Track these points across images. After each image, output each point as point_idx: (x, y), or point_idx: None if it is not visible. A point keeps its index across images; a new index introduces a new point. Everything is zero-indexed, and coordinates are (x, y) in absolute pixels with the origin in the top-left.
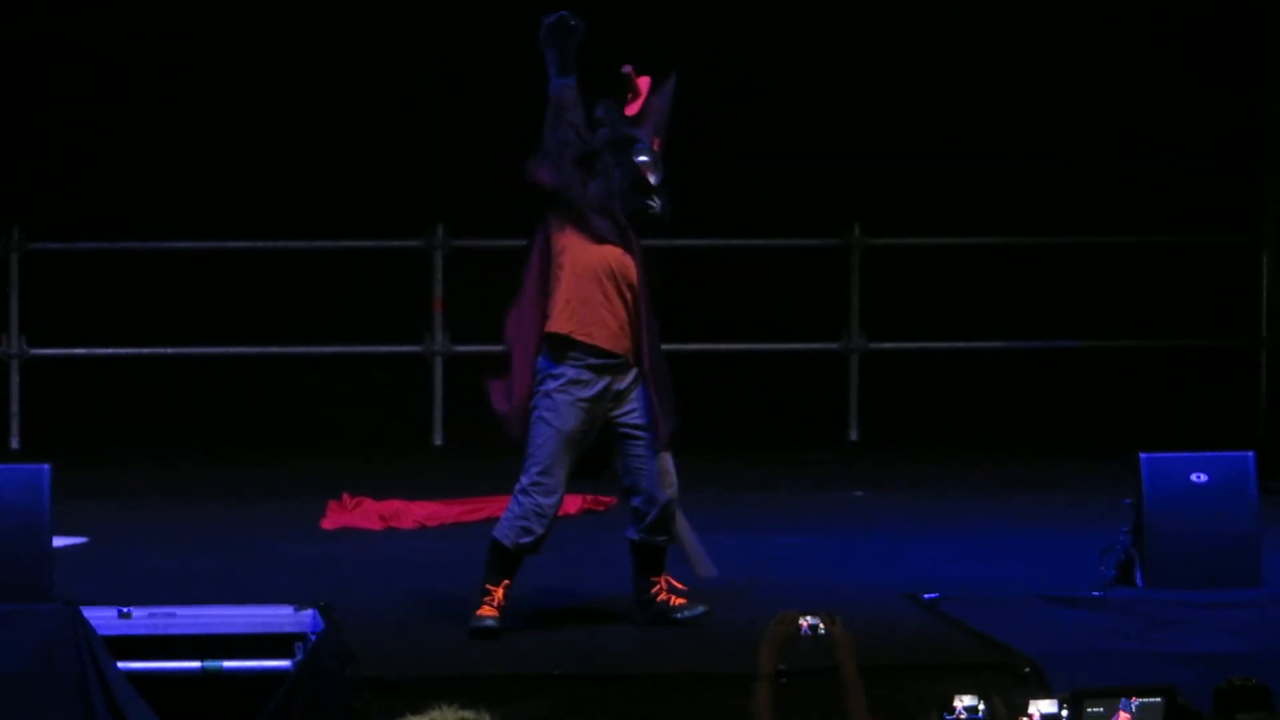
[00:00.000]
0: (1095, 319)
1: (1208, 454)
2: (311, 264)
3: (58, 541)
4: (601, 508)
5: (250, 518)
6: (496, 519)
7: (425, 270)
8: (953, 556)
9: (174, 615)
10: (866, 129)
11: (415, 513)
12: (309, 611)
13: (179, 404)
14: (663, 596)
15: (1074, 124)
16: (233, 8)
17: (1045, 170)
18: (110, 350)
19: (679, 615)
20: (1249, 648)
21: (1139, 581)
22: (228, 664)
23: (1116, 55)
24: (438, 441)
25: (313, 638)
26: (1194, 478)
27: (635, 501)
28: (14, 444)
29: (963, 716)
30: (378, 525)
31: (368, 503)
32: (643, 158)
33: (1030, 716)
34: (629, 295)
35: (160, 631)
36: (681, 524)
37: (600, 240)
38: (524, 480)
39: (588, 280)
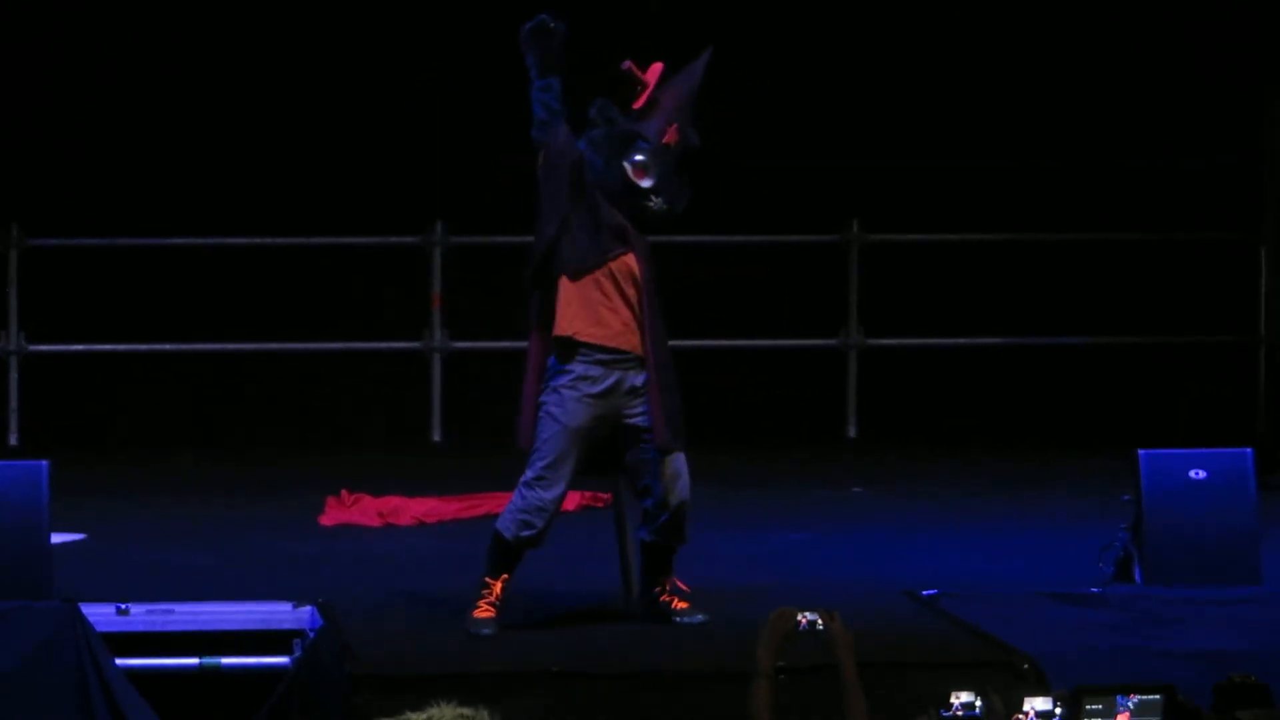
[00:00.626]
0: (1094, 316)
1: (1207, 451)
2: (310, 260)
3: (56, 538)
4: (601, 504)
5: (249, 514)
6: (495, 515)
7: (424, 267)
8: (951, 553)
9: (172, 612)
10: (866, 128)
11: (414, 509)
12: (307, 608)
13: (177, 400)
14: (665, 598)
15: (1074, 124)
16: (232, 6)
17: (1045, 169)
18: (109, 346)
19: (679, 619)
20: (1248, 645)
21: (1138, 578)
22: (226, 661)
23: (1116, 55)
24: (436, 438)
25: (311, 634)
26: (1193, 475)
27: (647, 504)
28: (12, 440)
29: (960, 714)
30: (376, 522)
31: (366, 499)
32: (638, 157)
33: (1025, 714)
34: (631, 292)
35: (159, 628)
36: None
37: (597, 242)
38: (528, 474)
39: (586, 282)
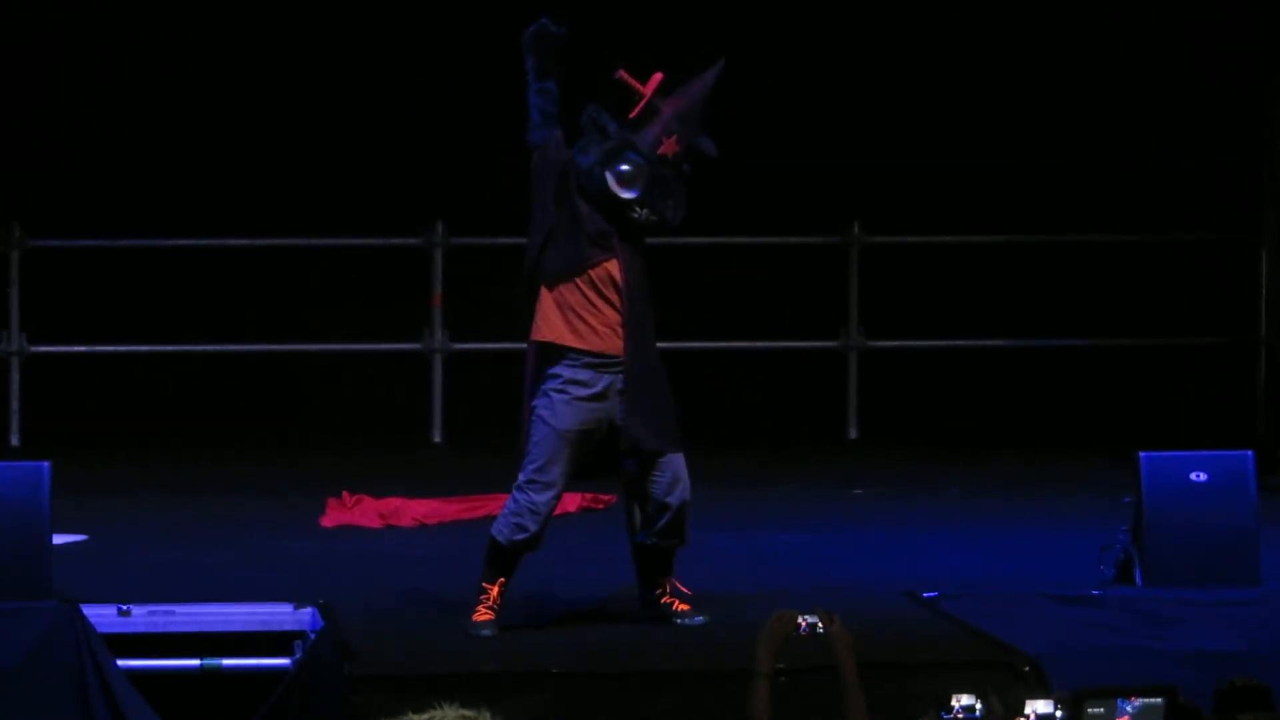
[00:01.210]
0: (1094, 317)
1: (1207, 453)
2: (311, 261)
3: (57, 539)
4: (601, 505)
5: (250, 515)
6: (496, 516)
7: (425, 267)
8: (952, 554)
9: (173, 613)
10: (866, 129)
11: (414, 510)
12: (308, 609)
13: (178, 401)
14: (666, 599)
15: (1074, 124)
16: (233, 6)
17: (1045, 170)
18: (110, 347)
19: (679, 621)
20: (1248, 646)
21: (1138, 580)
22: (227, 662)
23: (1116, 55)
24: (437, 439)
25: (312, 635)
26: (1193, 476)
27: (648, 507)
28: (14, 441)
29: (960, 716)
30: (377, 523)
31: (367, 500)
32: (623, 167)
33: (1027, 716)
34: (614, 297)
35: (159, 629)
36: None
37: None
38: (520, 477)
39: (567, 288)
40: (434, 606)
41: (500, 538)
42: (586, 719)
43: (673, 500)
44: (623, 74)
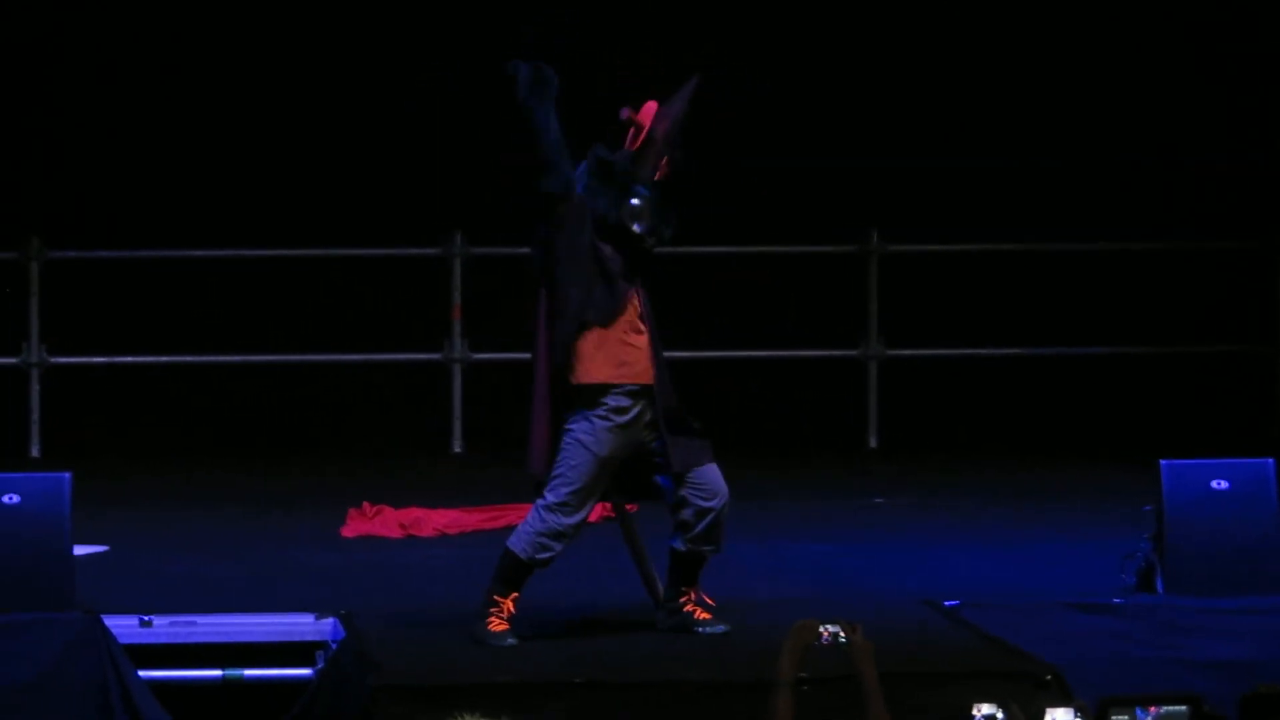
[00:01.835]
0: (1114, 325)
1: (1228, 461)
2: (331, 272)
3: (78, 550)
4: None
5: (271, 526)
6: (516, 527)
7: (444, 278)
8: (973, 563)
9: (195, 624)
10: (883, 133)
11: (435, 520)
12: (330, 620)
13: (198, 412)
14: (689, 608)
15: (1093, 131)
16: (251, 19)
17: (1064, 176)
18: (130, 358)
19: (701, 629)
20: (1271, 654)
21: (1160, 588)
22: (249, 672)
23: (1135, 62)
24: (457, 449)
25: (334, 646)
26: (1214, 484)
27: (685, 514)
28: (34, 452)
29: None
30: (398, 533)
31: (388, 510)
32: (634, 202)
33: None
34: (641, 325)
35: (181, 640)
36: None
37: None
38: (550, 497)
39: (610, 328)
40: (455, 617)
41: (521, 553)
42: None
43: (715, 504)
44: (627, 112)
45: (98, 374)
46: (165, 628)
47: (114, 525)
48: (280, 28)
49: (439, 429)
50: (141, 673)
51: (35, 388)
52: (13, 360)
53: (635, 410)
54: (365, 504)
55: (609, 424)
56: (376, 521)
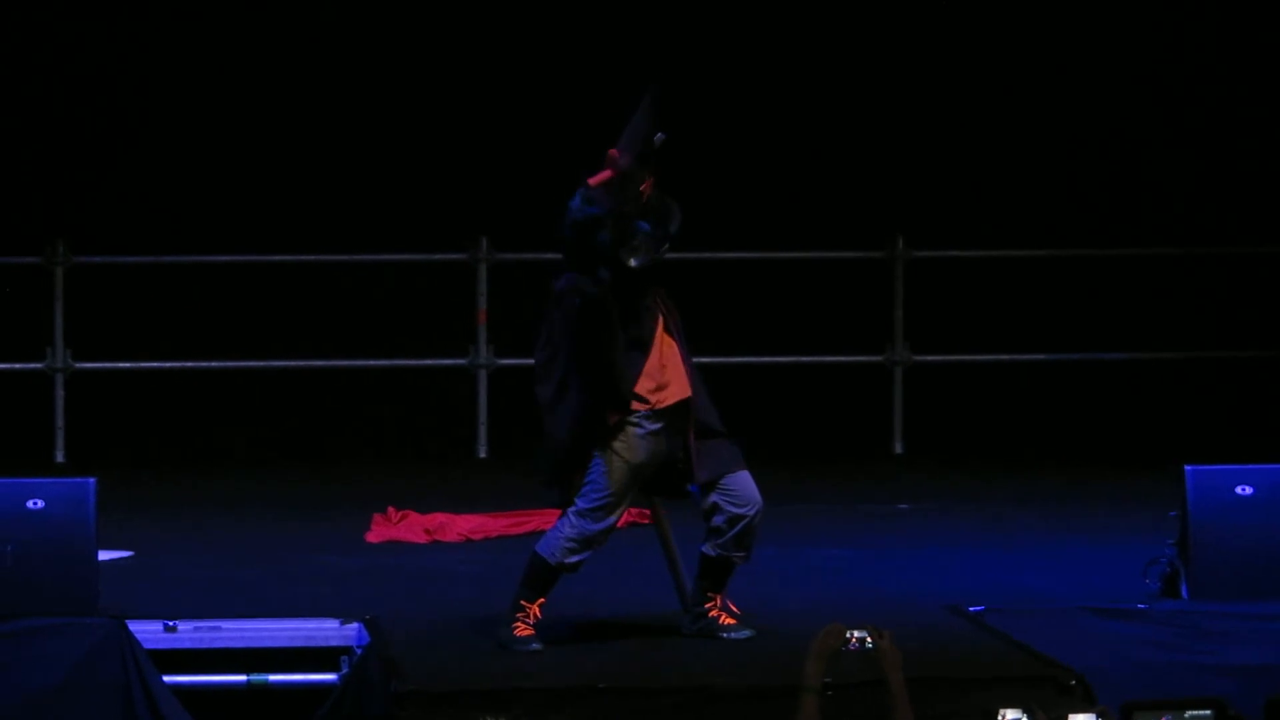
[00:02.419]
0: (1139, 330)
1: (1253, 466)
2: (356, 277)
3: (103, 555)
4: (646, 520)
5: (295, 531)
6: (542, 532)
7: (469, 283)
8: (998, 568)
9: (219, 629)
10: (909, 137)
11: (460, 525)
12: (354, 625)
13: (223, 417)
14: (714, 613)
15: (1119, 135)
16: (278, 26)
17: (1088, 180)
18: (155, 364)
19: (725, 634)
20: None
21: (1184, 593)
22: (273, 678)
23: (1164, 62)
24: (482, 454)
25: (358, 651)
26: (1239, 490)
27: (717, 520)
28: (59, 458)
29: None
30: (423, 538)
31: (413, 516)
32: (635, 241)
33: None
34: (670, 342)
35: (205, 645)
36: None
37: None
38: (581, 504)
39: (649, 356)
40: (480, 622)
41: (550, 559)
42: None
43: (747, 511)
44: (613, 153)
45: (122, 379)
46: (190, 633)
47: (139, 530)
48: (308, 34)
49: (464, 434)
50: (166, 678)
51: (60, 393)
52: (37, 365)
53: (670, 420)
54: (390, 509)
55: (643, 431)
56: (401, 527)
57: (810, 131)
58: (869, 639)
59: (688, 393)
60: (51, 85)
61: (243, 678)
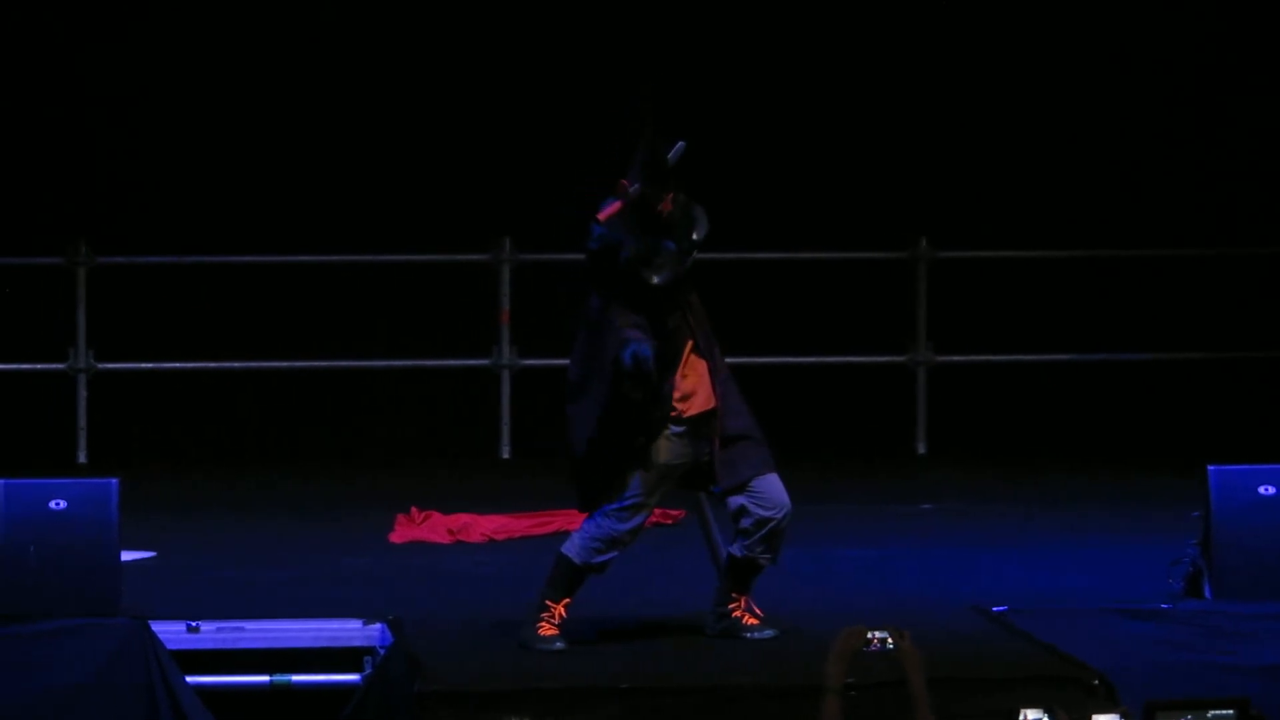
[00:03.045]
0: (1162, 331)
1: (1277, 466)
2: (379, 278)
3: (126, 555)
4: (670, 521)
5: (318, 531)
6: (566, 532)
7: (492, 284)
8: (1021, 569)
9: (242, 629)
10: (933, 137)
11: (483, 526)
12: (378, 625)
13: (246, 418)
14: (738, 613)
15: (1143, 135)
16: (299, 26)
17: (1112, 180)
18: (177, 364)
19: (749, 634)
20: None
21: (1207, 594)
22: (296, 678)
23: (1189, 64)
24: (505, 455)
25: (381, 651)
26: (1262, 490)
27: (745, 523)
28: (82, 458)
29: None
30: (446, 539)
31: (436, 516)
32: (658, 259)
33: None
34: (699, 350)
35: (228, 645)
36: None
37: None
38: (609, 504)
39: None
40: (503, 622)
41: (576, 559)
42: None
43: (774, 514)
44: (624, 184)
45: (145, 380)
46: (212, 633)
47: (161, 531)
48: (330, 34)
49: (487, 434)
50: (189, 678)
51: (82, 393)
52: (60, 366)
53: (695, 426)
54: (414, 509)
55: (669, 431)
56: (425, 527)
57: (834, 132)
58: (890, 640)
59: (713, 404)
60: (74, 87)
61: (266, 678)
